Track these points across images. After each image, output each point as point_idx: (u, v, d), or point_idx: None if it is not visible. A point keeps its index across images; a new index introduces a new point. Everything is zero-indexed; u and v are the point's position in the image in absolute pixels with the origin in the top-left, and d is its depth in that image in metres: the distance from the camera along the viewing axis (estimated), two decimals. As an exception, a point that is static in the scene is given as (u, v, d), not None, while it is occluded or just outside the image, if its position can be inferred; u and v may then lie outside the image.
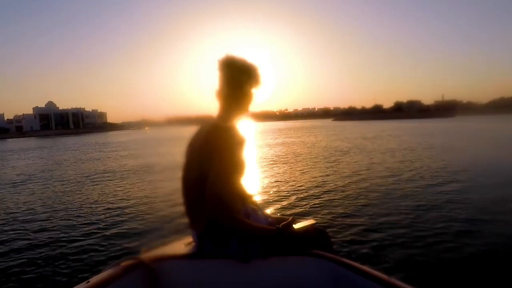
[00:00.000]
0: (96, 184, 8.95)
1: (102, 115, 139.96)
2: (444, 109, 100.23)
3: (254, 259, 1.32)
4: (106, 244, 4.16)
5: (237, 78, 1.38)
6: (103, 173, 11.00)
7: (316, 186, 7.17)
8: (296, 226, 1.41)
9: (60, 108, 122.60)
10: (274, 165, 10.96)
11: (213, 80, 1.44)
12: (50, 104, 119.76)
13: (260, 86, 1.44)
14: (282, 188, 7.20)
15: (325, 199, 6.04)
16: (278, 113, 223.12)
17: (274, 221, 1.47)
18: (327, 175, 8.51)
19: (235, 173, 1.32)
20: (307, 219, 1.52)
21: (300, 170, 9.67)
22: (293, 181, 7.98)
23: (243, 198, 1.45)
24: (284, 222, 1.38)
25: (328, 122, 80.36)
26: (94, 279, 1.12)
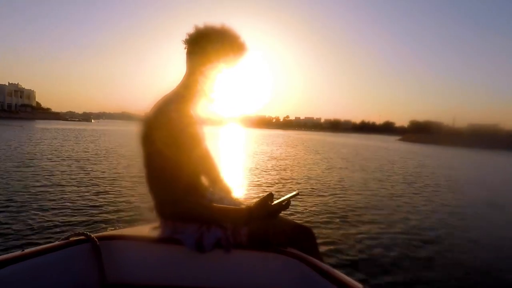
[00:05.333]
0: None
1: (23, 93, 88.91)
2: (480, 136, 70.38)
3: (213, 250, 1.23)
4: (65, 223, 3.91)
5: (202, 43, 1.18)
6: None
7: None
8: (275, 202, 1.22)
9: None
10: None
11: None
12: None
13: (238, 58, 1.20)
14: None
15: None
16: (274, 120, 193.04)
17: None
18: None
19: (187, 162, 1.19)
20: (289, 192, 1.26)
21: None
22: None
23: (211, 184, 1.41)
24: (258, 200, 1.23)
25: (397, 143, 46.68)
26: (32, 249, 1.09)
